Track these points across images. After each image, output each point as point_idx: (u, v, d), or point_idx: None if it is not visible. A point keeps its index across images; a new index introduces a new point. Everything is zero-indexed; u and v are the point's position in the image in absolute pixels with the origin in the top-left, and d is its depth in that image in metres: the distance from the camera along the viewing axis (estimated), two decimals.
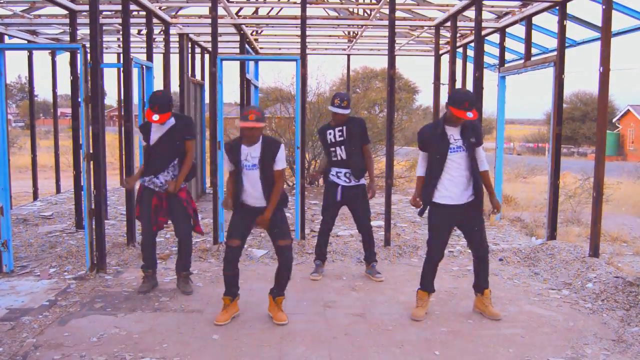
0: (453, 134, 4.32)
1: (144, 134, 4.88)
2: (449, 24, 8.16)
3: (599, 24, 6.03)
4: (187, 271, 5.11)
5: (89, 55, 5.51)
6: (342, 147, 5.34)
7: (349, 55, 12.78)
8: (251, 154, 4.25)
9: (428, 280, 4.54)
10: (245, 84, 9.74)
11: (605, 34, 5.80)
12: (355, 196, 5.43)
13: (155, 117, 4.66)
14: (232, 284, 4.43)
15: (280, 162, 4.28)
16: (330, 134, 5.39)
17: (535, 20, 7.72)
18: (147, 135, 4.86)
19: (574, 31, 7.42)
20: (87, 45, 5.54)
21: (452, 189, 4.33)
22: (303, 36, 6.74)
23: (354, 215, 5.58)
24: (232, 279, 4.42)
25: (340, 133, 5.34)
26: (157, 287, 5.16)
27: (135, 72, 6.76)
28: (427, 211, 4.53)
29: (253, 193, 4.30)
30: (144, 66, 7.18)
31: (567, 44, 7.06)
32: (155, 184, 4.86)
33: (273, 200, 4.27)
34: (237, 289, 4.48)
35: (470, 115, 4.18)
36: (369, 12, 8.91)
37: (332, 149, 5.39)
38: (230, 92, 66.04)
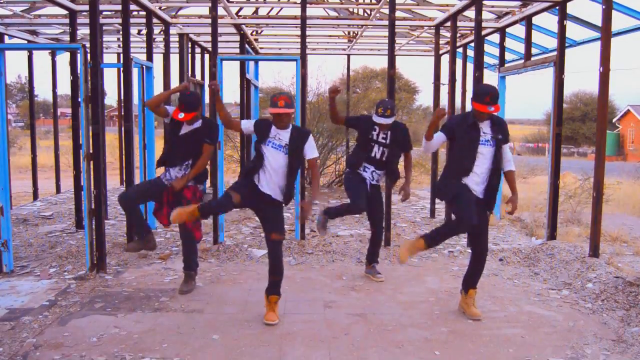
0: (483, 127, 4.34)
1: (172, 126, 4.89)
2: (449, 24, 8.16)
3: (599, 24, 6.04)
4: (188, 270, 5.10)
5: (89, 55, 5.51)
6: (383, 149, 5.25)
7: (349, 55, 12.78)
8: (280, 135, 4.32)
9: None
10: (246, 84, 9.74)
11: (605, 34, 5.80)
12: (375, 196, 5.40)
13: (181, 115, 4.66)
14: (209, 214, 4.60)
15: (312, 150, 4.39)
16: (375, 130, 5.24)
17: (535, 20, 7.73)
18: (177, 128, 4.87)
19: (574, 31, 7.42)
20: (87, 45, 5.54)
21: (475, 178, 4.35)
22: (303, 36, 6.74)
23: (370, 214, 5.51)
24: (213, 211, 4.73)
25: (384, 136, 5.25)
26: (154, 249, 5.14)
27: (135, 72, 6.76)
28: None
29: (272, 177, 4.31)
30: (144, 66, 7.19)
31: (567, 44, 7.06)
32: (166, 177, 4.89)
33: (315, 187, 4.47)
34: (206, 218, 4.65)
35: (491, 109, 4.20)
36: (369, 12, 8.92)
37: (372, 144, 5.27)
38: (231, 92, 65.96)
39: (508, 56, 9.15)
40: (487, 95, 4.20)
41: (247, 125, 4.50)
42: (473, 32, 8.29)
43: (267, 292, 4.43)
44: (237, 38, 9.75)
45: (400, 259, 4.48)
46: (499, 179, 4.43)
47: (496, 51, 9.34)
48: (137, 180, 7.06)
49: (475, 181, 4.35)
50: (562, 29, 6.71)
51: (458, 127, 4.40)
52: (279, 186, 4.34)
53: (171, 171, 4.89)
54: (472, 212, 4.24)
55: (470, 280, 4.57)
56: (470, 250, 5.96)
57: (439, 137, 4.52)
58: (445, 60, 9.20)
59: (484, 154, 4.32)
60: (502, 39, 8.67)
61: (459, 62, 8.82)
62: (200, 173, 4.92)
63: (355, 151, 5.39)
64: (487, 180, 4.38)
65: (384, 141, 5.24)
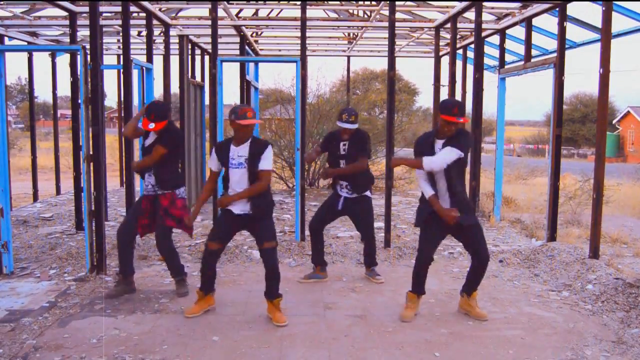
0: (437, 144, 4.29)
1: (143, 136, 5.07)
2: (449, 25, 8.16)
3: (599, 25, 6.04)
4: (179, 277, 5.07)
5: (89, 56, 5.51)
6: (344, 160, 5.31)
7: (349, 57, 12.79)
8: (238, 152, 4.30)
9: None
10: (245, 86, 9.74)
11: (605, 35, 5.80)
12: (353, 208, 5.41)
13: (151, 125, 4.69)
14: (210, 283, 4.53)
15: (266, 162, 4.29)
16: (341, 145, 5.34)
17: (535, 21, 7.74)
18: (144, 139, 5.03)
19: (574, 33, 7.42)
20: (87, 46, 5.54)
21: (440, 197, 4.38)
22: (303, 38, 6.74)
23: (357, 226, 5.57)
24: (210, 279, 4.52)
25: (344, 146, 5.31)
26: (134, 293, 5.01)
27: (135, 73, 6.76)
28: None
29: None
30: (144, 68, 7.19)
31: (567, 46, 7.06)
32: (146, 185, 4.95)
33: (245, 192, 4.26)
34: (213, 287, 4.57)
35: (460, 119, 4.16)
36: (368, 13, 8.92)
37: (340, 160, 5.35)
38: (230, 94, 66.33)
39: (508, 58, 9.16)
40: (455, 107, 4.18)
41: (213, 162, 4.45)
42: (473, 33, 8.30)
43: (269, 296, 4.42)
44: (237, 39, 9.76)
45: (403, 318, 4.48)
46: (462, 185, 4.38)
47: (496, 53, 9.34)
48: (137, 181, 7.05)
49: (442, 199, 4.35)
50: (562, 30, 6.72)
51: (422, 147, 4.37)
52: (247, 202, 4.31)
53: (147, 179, 4.94)
54: (431, 248, 4.42)
55: (472, 285, 4.58)
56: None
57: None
58: (445, 61, 9.21)
59: (438, 173, 4.30)
60: (502, 41, 8.68)
61: (459, 63, 8.83)
62: (164, 179, 4.85)
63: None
64: (448, 196, 4.33)
65: (344, 152, 5.31)
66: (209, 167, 4.55)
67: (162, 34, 8.90)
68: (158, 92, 12.87)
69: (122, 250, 4.94)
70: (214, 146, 4.51)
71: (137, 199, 5.17)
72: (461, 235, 4.45)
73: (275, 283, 4.39)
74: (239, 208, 4.36)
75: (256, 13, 9.52)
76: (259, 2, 8.70)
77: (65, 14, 7.81)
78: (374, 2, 8.47)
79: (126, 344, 3.94)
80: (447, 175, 4.27)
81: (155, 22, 7.65)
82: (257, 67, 10.96)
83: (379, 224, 7.61)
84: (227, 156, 4.33)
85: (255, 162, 4.26)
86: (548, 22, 7.42)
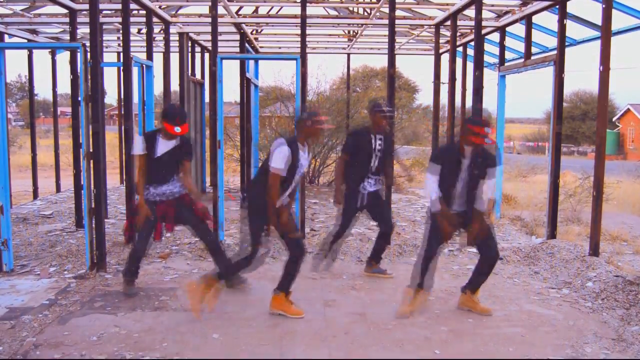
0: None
1: (147, 143, 4.75)
2: (449, 22, 8.15)
3: (599, 23, 6.03)
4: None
5: (89, 54, 5.51)
6: (380, 155, 5.29)
7: (349, 54, 12.77)
8: (304, 155, 4.39)
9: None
10: (245, 83, 9.74)
11: (606, 33, 5.80)
12: (374, 201, 5.40)
13: (177, 129, 4.63)
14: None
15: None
16: (373, 140, 5.26)
17: (535, 19, 7.73)
18: (151, 145, 4.75)
19: (574, 30, 7.44)
20: (87, 44, 5.54)
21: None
22: (303, 35, 6.73)
23: (376, 218, 5.53)
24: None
25: (380, 142, 5.28)
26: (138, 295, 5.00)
27: (135, 71, 6.75)
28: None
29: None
30: (144, 65, 7.18)
31: (567, 43, 7.05)
32: (159, 193, 4.83)
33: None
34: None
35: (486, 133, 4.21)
36: (369, 11, 8.91)
37: (373, 155, 5.27)
38: (230, 91, 66.02)
39: (508, 55, 9.14)
40: (485, 124, 4.26)
41: (283, 159, 4.22)
42: (473, 31, 8.29)
43: (284, 289, 4.46)
44: (237, 37, 9.75)
45: (399, 313, 4.52)
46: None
47: (496, 50, 9.33)
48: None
49: (457, 198, 4.49)
50: (562, 28, 6.71)
51: (446, 160, 4.45)
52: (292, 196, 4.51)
53: (164, 186, 4.85)
54: (439, 243, 4.51)
55: (477, 283, 4.60)
56: (470, 250, 5.97)
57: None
58: (445, 59, 9.21)
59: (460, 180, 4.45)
60: (502, 38, 8.67)
61: (459, 61, 8.82)
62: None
63: (355, 169, 5.33)
64: (465, 199, 4.49)
65: (380, 147, 5.29)
66: (277, 168, 4.22)
67: (162, 32, 8.89)
68: (158, 90, 12.84)
69: (138, 263, 4.96)
70: (290, 144, 4.26)
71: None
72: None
73: (293, 273, 4.50)
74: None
75: (256, 10, 9.51)
76: None
77: (65, 11, 7.80)
78: (374, 0, 8.46)
79: (126, 341, 3.95)
80: (469, 185, 4.40)
81: (155, 19, 7.63)
82: (257, 64, 10.95)
83: None
84: (297, 157, 4.30)
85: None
86: (548, 19, 7.40)
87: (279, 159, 4.18)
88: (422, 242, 4.68)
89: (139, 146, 4.76)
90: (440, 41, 8.99)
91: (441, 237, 4.48)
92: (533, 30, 7.83)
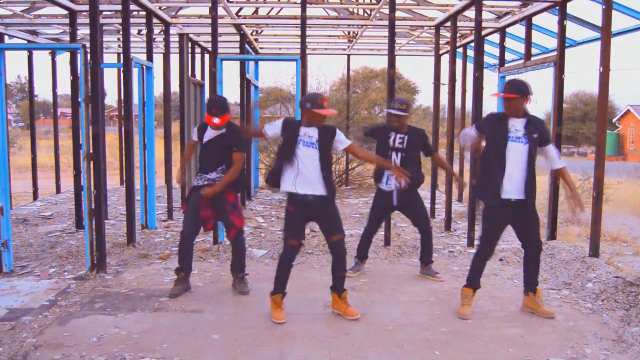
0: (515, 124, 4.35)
1: (199, 132, 4.89)
2: (449, 24, 8.15)
3: (599, 24, 6.04)
4: (242, 272, 5.08)
5: (89, 55, 5.51)
6: (399, 154, 5.31)
7: (349, 55, 12.78)
8: (309, 133, 4.34)
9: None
10: (245, 84, 9.74)
11: (606, 34, 5.80)
12: (406, 201, 5.43)
13: (216, 119, 4.63)
14: (285, 280, 4.51)
15: (345, 140, 4.43)
16: (391, 136, 5.33)
17: (535, 20, 7.73)
18: (202, 133, 4.87)
19: (574, 31, 7.39)
20: (87, 45, 5.54)
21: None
22: (303, 36, 6.74)
23: (414, 218, 5.57)
24: (286, 276, 4.50)
25: (401, 140, 5.31)
26: (190, 290, 5.03)
27: (135, 72, 6.76)
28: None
29: (307, 176, 4.28)
30: (144, 66, 7.19)
31: (567, 44, 7.06)
32: (203, 180, 4.84)
33: (371, 157, 4.82)
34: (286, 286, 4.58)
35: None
36: (369, 12, 8.92)
37: (389, 152, 5.33)
38: (230, 92, 65.85)
39: (508, 56, 9.15)
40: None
41: (273, 130, 4.46)
42: (473, 32, 8.29)
43: (336, 290, 4.50)
44: (237, 38, 9.76)
45: (460, 314, 4.51)
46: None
47: (496, 51, 9.34)
48: (137, 180, 7.06)
49: (514, 182, 4.34)
50: (562, 29, 6.71)
51: (492, 125, 4.45)
52: (321, 180, 4.32)
53: (204, 175, 4.86)
54: (495, 242, 4.50)
55: (532, 280, 4.57)
56: (470, 251, 5.97)
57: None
58: (445, 60, 9.21)
59: (517, 159, 4.32)
60: (502, 39, 8.67)
61: (459, 62, 8.83)
62: (236, 182, 4.85)
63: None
64: (524, 182, 4.33)
65: (400, 146, 5.32)
66: (263, 131, 4.46)
67: (162, 33, 8.90)
68: (158, 91, 12.84)
69: (187, 252, 4.94)
70: (285, 121, 4.48)
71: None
72: (519, 225, 4.46)
73: (342, 274, 4.51)
74: (307, 188, 4.33)
75: (256, 11, 9.51)
76: (259, 0, 8.69)
77: (65, 12, 7.81)
78: (374, 1, 8.47)
79: (126, 342, 3.94)
80: (529, 163, 4.29)
81: (155, 20, 7.64)
82: (257, 65, 10.97)
83: None
84: (296, 134, 4.33)
85: (328, 144, 4.36)
86: (548, 20, 7.40)
87: (269, 125, 4.50)
88: (478, 241, 4.64)
89: (193, 134, 5.02)
90: (440, 42, 8.99)
91: (496, 234, 4.45)
92: (533, 31, 7.83)
